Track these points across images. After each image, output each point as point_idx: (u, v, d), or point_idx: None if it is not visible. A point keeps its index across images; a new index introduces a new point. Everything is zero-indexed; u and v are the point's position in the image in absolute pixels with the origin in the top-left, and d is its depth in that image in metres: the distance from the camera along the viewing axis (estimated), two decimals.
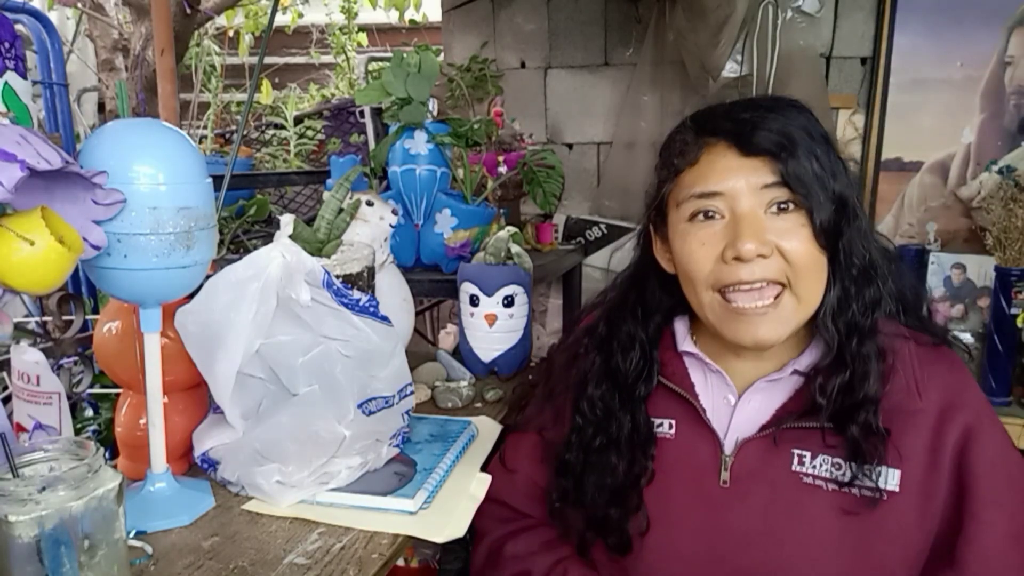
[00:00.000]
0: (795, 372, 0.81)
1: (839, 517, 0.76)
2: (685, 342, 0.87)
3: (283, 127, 3.01)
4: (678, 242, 0.81)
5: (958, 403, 0.77)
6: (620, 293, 0.93)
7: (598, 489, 0.84)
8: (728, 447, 0.81)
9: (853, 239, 0.78)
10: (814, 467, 0.78)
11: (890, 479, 0.75)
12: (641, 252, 0.92)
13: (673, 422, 0.85)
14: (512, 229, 1.28)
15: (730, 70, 2.06)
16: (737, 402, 0.83)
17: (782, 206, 0.75)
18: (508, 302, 1.22)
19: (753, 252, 0.74)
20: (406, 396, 0.91)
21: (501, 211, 1.51)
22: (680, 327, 0.89)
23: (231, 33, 4.77)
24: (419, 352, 1.36)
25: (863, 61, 2.05)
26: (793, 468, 0.78)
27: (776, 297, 0.76)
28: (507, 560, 0.91)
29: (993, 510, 0.74)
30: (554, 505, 0.89)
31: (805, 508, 0.77)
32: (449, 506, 0.83)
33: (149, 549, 0.72)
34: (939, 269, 1.81)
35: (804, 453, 0.78)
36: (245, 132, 2.93)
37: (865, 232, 0.80)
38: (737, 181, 0.76)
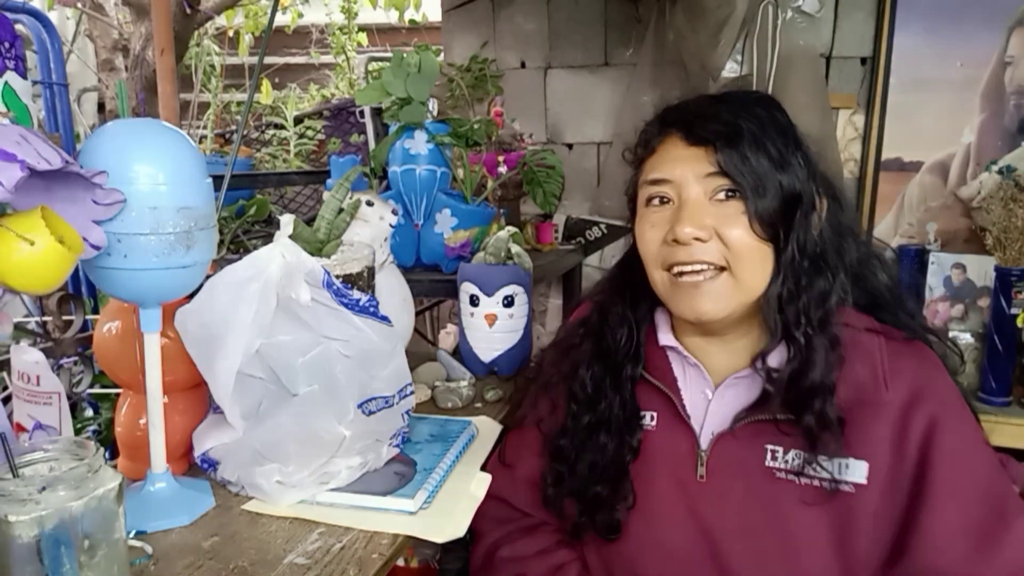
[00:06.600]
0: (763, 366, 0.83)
1: (811, 511, 0.77)
2: (666, 336, 0.89)
3: (283, 127, 3.01)
4: (637, 225, 0.87)
5: (925, 393, 0.77)
6: (611, 277, 0.96)
7: (590, 468, 0.86)
8: (704, 442, 0.83)
9: (805, 233, 0.79)
10: (786, 461, 0.79)
11: (857, 471, 0.76)
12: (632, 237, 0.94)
13: (655, 414, 0.88)
14: (512, 229, 1.28)
15: (730, 70, 2.06)
16: (712, 397, 0.85)
17: (728, 193, 0.79)
18: (508, 302, 1.22)
19: (689, 236, 0.78)
20: (406, 396, 0.91)
21: (501, 211, 1.51)
22: (661, 320, 0.91)
23: (231, 33, 4.77)
24: (419, 352, 1.36)
25: (863, 61, 2.05)
26: (767, 463, 0.80)
27: (716, 274, 0.79)
28: (503, 563, 0.91)
29: (946, 501, 0.73)
30: (547, 492, 0.90)
31: (779, 503, 0.78)
32: (449, 506, 0.83)
33: (149, 549, 0.72)
34: (939, 269, 1.81)
35: (776, 448, 0.80)
36: (245, 132, 2.93)
37: (821, 227, 0.82)
38: (684, 169, 0.80)
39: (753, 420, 0.81)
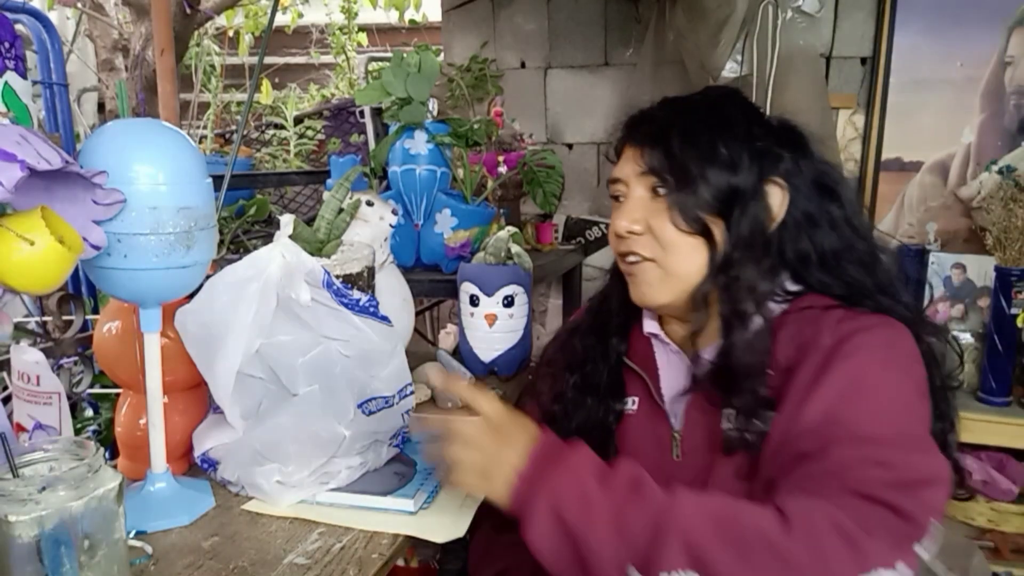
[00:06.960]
0: (692, 348, 0.86)
1: (752, 467, 0.77)
2: (649, 324, 0.93)
3: (283, 127, 3.01)
4: None
5: (858, 337, 0.74)
6: (613, 267, 0.99)
7: (578, 430, 0.90)
8: (677, 424, 0.87)
9: (740, 225, 0.81)
10: (738, 423, 0.80)
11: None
12: None
13: (637, 399, 0.92)
14: (512, 229, 1.28)
15: (730, 70, 2.06)
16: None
17: (659, 190, 0.84)
18: (508, 302, 1.22)
19: (623, 229, 0.85)
20: (406, 396, 0.91)
21: (501, 211, 1.51)
22: (647, 309, 0.94)
23: (231, 33, 4.77)
24: (419, 352, 1.36)
25: (863, 61, 2.05)
26: (723, 426, 0.81)
27: (643, 262, 0.85)
28: (505, 547, 0.91)
29: (797, 406, 0.71)
30: None
31: (736, 468, 0.79)
32: (449, 506, 0.83)
33: (149, 549, 0.72)
34: (939, 269, 1.81)
35: (730, 412, 0.81)
36: (245, 132, 2.94)
37: (761, 221, 0.82)
38: (628, 170, 0.87)
39: (690, 394, 0.85)
